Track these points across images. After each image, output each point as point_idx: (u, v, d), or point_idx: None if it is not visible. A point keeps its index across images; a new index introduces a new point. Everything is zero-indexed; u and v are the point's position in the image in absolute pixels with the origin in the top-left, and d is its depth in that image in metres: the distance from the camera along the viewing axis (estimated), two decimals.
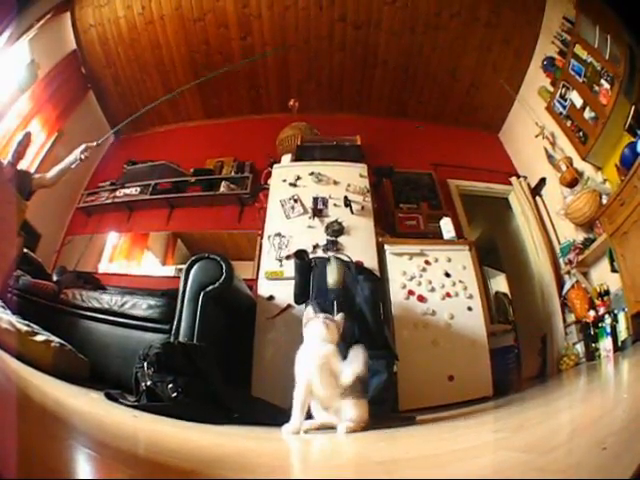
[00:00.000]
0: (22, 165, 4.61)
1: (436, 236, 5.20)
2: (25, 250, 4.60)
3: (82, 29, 5.90)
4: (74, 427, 1.75)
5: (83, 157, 4.82)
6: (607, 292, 4.57)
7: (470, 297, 4.50)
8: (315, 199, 5.00)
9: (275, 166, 5.50)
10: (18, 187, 4.25)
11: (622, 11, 2.75)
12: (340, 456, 1.84)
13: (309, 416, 2.46)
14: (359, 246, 4.73)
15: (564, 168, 5.18)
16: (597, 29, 4.65)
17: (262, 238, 4.98)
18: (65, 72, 5.82)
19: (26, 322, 3.23)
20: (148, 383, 2.80)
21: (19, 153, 4.47)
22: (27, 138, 4.58)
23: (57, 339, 3.26)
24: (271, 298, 4.43)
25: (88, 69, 6.23)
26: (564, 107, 5.22)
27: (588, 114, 4.86)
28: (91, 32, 5.95)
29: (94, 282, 4.88)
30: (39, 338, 3.15)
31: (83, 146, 4.84)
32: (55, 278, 4.77)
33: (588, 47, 4.81)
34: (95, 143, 5.01)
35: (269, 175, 5.55)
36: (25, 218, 4.48)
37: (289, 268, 4.46)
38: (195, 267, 3.72)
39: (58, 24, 5.62)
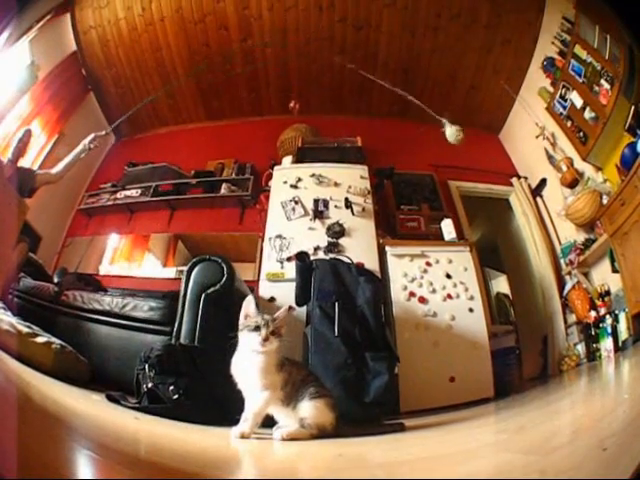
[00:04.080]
0: (23, 164, 4.60)
1: (437, 237, 5.19)
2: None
3: (82, 30, 5.89)
4: (75, 429, 1.75)
5: (92, 146, 4.83)
6: (608, 292, 4.56)
7: (471, 298, 4.50)
8: (316, 201, 5.01)
9: (276, 168, 5.52)
10: (19, 185, 4.23)
11: (621, 10, 2.74)
12: (341, 458, 1.84)
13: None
14: (360, 248, 4.73)
15: (564, 169, 5.18)
16: (597, 29, 4.66)
17: (263, 240, 4.98)
18: (65, 73, 5.81)
19: (27, 324, 3.23)
20: (149, 385, 2.80)
21: (20, 150, 4.45)
22: (27, 135, 4.56)
23: (58, 341, 3.26)
24: (272, 300, 4.43)
25: (88, 71, 6.22)
26: (564, 107, 5.22)
27: (588, 114, 4.86)
28: (91, 33, 5.94)
29: (95, 284, 4.88)
30: (40, 340, 3.15)
31: (92, 135, 4.86)
32: (56, 280, 4.78)
33: (588, 47, 4.82)
34: (104, 132, 5.02)
35: (270, 177, 5.56)
36: (26, 219, 4.47)
37: (290, 270, 4.47)
38: (196, 269, 3.71)
39: (58, 25, 5.61)
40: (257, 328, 2.26)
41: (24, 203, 4.26)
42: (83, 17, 5.83)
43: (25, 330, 3.14)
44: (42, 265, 4.89)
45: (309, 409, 2.24)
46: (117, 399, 2.78)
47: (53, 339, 3.25)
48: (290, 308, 4.22)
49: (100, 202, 6.27)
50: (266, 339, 2.23)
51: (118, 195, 6.29)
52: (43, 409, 1.89)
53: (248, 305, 2.35)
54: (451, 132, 5.06)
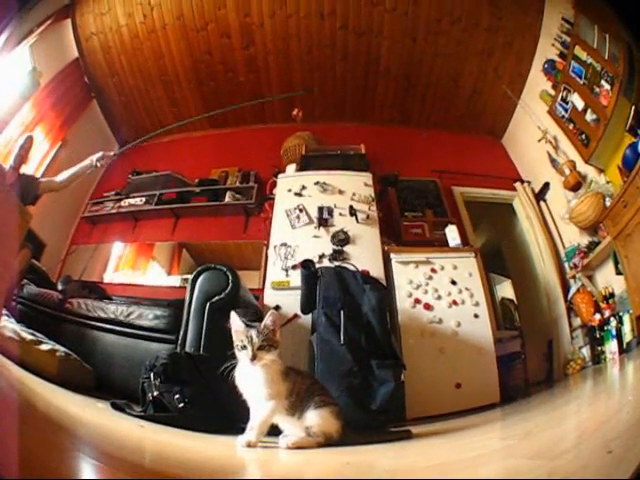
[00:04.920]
0: (25, 171, 4.59)
1: (442, 244, 5.19)
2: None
3: (84, 37, 5.91)
4: (79, 437, 1.75)
5: (99, 165, 4.82)
6: (612, 295, 4.55)
7: (476, 304, 4.49)
8: (320, 209, 5.01)
9: (280, 176, 5.53)
10: (22, 192, 4.22)
11: (620, 9, 2.75)
12: (348, 466, 1.83)
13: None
14: (365, 255, 4.73)
15: (567, 172, 5.17)
16: (596, 29, 4.66)
17: (268, 248, 4.98)
18: (68, 80, 5.82)
19: (31, 331, 3.24)
20: (155, 393, 2.79)
21: (21, 157, 4.42)
22: (29, 141, 4.54)
23: (62, 348, 3.27)
24: (277, 308, 4.42)
25: (91, 78, 6.24)
26: (566, 110, 5.22)
27: (590, 116, 4.85)
28: (93, 40, 5.95)
29: (99, 292, 4.88)
30: (44, 347, 3.16)
31: (100, 153, 4.84)
32: (60, 287, 4.77)
33: (587, 48, 4.82)
34: (112, 153, 5.01)
35: (274, 185, 5.58)
36: (30, 227, 4.46)
37: (295, 278, 4.48)
38: (201, 277, 3.72)
39: (59, 31, 5.61)
40: (244, 347, 2.24)
41: (27, 211, 4.25)
42: (84, 23, 5.84)
43: (29, 337, 3.15)
44: (46, 272, 4.90)
45: (315, 418, 2.22)
46: (122, 407, 2.78)
47: (57, 346, 3.26)
48: (296, 316, 4.24)
49: (104, 210, 6.29)
50: (254, 357, 2.21)
51: (122, 203, 6.30)
52: (47, 416, 1.89)
53: (233, 322, 2.33)
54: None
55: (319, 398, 2.29)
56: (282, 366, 2.29)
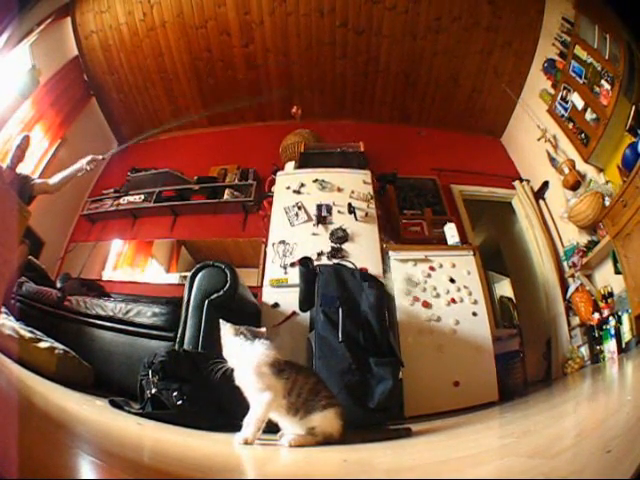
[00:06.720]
0: (24, 170, 4.59)
1: (440, 241, 5.18)
2: (29, 257, 4.59)
3: (83, 35, 5.90)
4: (78, 434, 1.74)
5: (89, 168, 4.81)
6: (611, 294, 4.56)
7: (475, 302, 4.48)
8: (319, 206, 5.00)
9: (279, 173, 5.51)
10: (18, 192, 4.22)
11: (621, 9, 2.75)
12: (347, 464, 1.83)
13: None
14: (364, 253, 4.73)
15: (567, 171, 5.17)
16: (596, 29, 4.66)
17: (266, 246, 4.98)
18: (67, 78, 5.82)
19: (30, 328, 3.23)
20: (153, 391, 2.78)
21: (18, 157, 4.41)
22: (26, 141, 4.53)
23: (61, 346, 3.25)
24: (276, 305, 4.43)
25: (90, 76, 6.23)
26: (565, 109, 5.22)
27: (589, 116, 4.85)
28: (93, 38, 5.95)
29: (98, 289, 4.88)
30: (43, 345, 3.15)
31: (90, 157, 4.82)
32: (59, 285, 4.77)
33: (588, 47, 4.82)
34: (101, 157, 5.00)
35: (273, 182, 5.56)
36: (29, 225, 4.46)
37: (294, 275, 4.46)
38: (200, 275, 3.71)
39: (59, 29, 5.62)
40: None
41: (26, 208, 4.25)
42: (84, 21, 5.84)
43: (28, 335, 3.13)
44: (45, 270, 4.88)
45: (320, 419, 2.22)
46: (120, 405, 2.77)
47: (56, 344, 3.24)
48: (294, 313, 4.24)
49: (103, 208, 6.28)
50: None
51: (121, 201, 6.30)
52: (46, 414, 1.88)
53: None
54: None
55: (326, 401, 2.28)
56: (270, 358, 2.28)
